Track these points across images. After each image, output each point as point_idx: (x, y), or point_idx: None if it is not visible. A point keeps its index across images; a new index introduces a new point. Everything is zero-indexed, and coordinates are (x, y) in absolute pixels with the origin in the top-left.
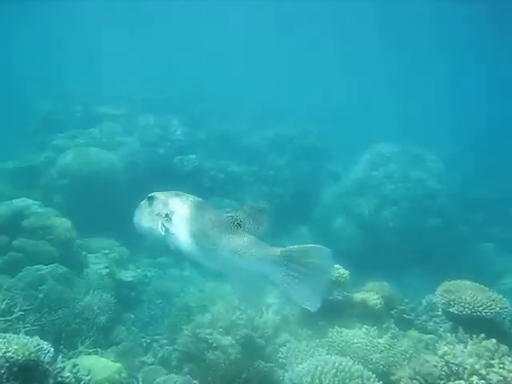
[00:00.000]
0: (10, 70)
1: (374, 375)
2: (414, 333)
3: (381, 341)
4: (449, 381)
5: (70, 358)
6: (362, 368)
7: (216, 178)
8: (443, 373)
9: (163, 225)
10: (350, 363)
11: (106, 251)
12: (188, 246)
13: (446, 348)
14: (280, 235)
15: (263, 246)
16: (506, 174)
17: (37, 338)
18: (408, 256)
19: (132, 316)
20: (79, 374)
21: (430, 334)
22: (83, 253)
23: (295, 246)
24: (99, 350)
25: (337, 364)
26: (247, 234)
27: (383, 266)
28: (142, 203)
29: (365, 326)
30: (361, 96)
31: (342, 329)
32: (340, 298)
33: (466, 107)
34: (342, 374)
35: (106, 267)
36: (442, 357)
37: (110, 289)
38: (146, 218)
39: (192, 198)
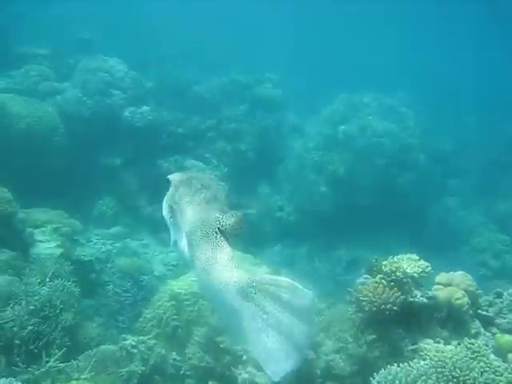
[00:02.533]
0: None
1: None
2: (505, 337)
3: (499, 363)
4: None
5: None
6: None
7: (174, 134)
8: None
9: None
10: None
11: (55, 225)
12: (180, 247)
13: None
14: (244, 194)
15: (231, 264)
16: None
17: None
18: (382, 216)
19: (93, 303)
20: None
21: None
22: (28, 229)
23: (267, 276)
24: (74, 362)
25: None
26: (225, 243)
27: (358, 227)
28: None
29: (467, 340)
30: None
31: (441, 346)
32: (425, 300)
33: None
34: None
35: (59, 246)
36: None
37: (68, 274)
38: (164, 204)
39: (201, 181)
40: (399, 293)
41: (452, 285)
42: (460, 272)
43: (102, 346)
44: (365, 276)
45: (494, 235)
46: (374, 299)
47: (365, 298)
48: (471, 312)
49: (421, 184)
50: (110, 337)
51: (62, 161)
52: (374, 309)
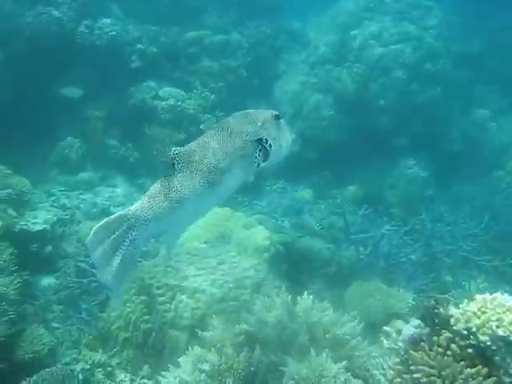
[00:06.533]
0: None
1: None
2: None
3: None
4: None
5: None
6: None
7: (146, 53)
8: None
9: None
10: None
11: None
12: None
13: None
14: None
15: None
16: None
17: None
18: (401, 140)
19: (52, 283)
20: None
21: None
22: None
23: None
24: None
25: None
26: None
27: (374, 155)
28: None
29: None
30: None
31: None
32: None
33: None
34: None
35: None
36: None
37: (6, 261)
38: None
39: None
40: (485, 369)
41: None
42: None
43: (45, 372)
44: (415, 323)
45: None
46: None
47: (424, 378)
48: None
49: (447, 97)
50: (67, 338)
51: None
52: None
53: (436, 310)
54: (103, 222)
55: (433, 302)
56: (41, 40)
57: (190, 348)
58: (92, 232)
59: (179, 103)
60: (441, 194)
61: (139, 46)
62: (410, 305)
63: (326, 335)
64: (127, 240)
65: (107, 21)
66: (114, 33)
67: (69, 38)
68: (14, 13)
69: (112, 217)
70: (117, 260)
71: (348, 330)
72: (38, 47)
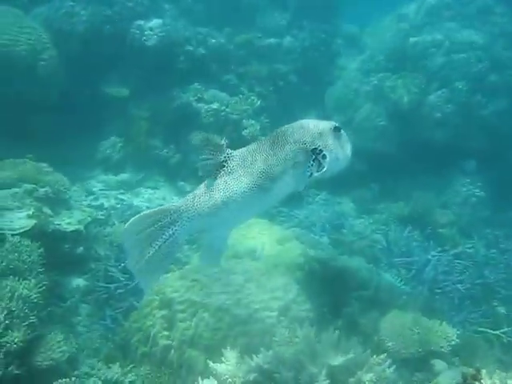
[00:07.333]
0: None
1: None
2: None
3: None
4: None
5: None
6: None
7: (194, 55)
8: None
9: None
10: None
11: (30, 186)
12: None
13: None
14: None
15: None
16: None
17: None
18: (457, 157)
19: (80, 284)
20: None
21: None
22: None
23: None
24: None
25: None
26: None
27: (426, 170)
28: None
29: None
30: None
31: None
32: None
33: None
34: None
35: (31, 216)
36: None
37: (31, 263)
38: None
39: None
40: None
41: None
42: None
43: None
44: None
45: None
46: None
47: None
48: None
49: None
50: (89, 346)
51: (51, 92)
52: None
53: (476, 382)
54: (143, 213)
55: (473, 370)
56: (93, 38)
57: (200, 381)
58: (130, 221)
59: (223, 108)
60: (498, 217)
61: (188, 47)
62: (453, 343)
63: (350, 379)
64: (166, 234)
65: (158, 21)
66: (163, 34)
67: (120, 37)
68: (69, 12)
69: (153, 210)
70: (151, 252)
71: (375, 375)
72: (90, 45)
